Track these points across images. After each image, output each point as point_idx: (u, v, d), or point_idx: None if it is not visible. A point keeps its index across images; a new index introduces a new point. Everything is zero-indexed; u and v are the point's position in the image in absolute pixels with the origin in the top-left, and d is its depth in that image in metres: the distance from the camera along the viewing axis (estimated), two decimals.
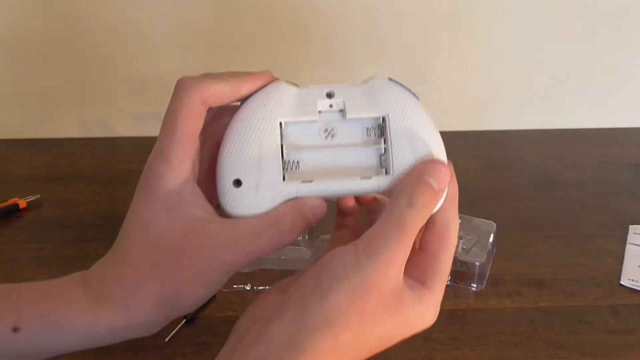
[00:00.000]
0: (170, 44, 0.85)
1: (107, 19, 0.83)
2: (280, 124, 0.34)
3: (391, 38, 0.86)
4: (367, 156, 0.35)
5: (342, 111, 0.35)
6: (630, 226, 0.67)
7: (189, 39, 0.85)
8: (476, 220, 0.62)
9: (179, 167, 0.33)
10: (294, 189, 0.34)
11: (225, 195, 0.34)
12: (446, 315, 0.54)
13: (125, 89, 0.88)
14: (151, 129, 0.91)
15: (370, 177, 0.34)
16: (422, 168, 0.33)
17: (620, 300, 0.56)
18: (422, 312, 0.33)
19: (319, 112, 0.35)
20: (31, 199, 0.70)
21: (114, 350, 0.36)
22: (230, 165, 0.33)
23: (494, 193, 0.75)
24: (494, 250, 0.61)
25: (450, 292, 0.57)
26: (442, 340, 0.51)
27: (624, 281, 0.58)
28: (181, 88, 0.34)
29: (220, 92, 0.34)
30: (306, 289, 0.31)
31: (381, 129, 0.35)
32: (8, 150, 0.85)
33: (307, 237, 0.63)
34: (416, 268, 0.34)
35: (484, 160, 0.83)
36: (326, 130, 0.35)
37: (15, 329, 0.33)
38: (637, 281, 0.58)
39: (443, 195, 0.34)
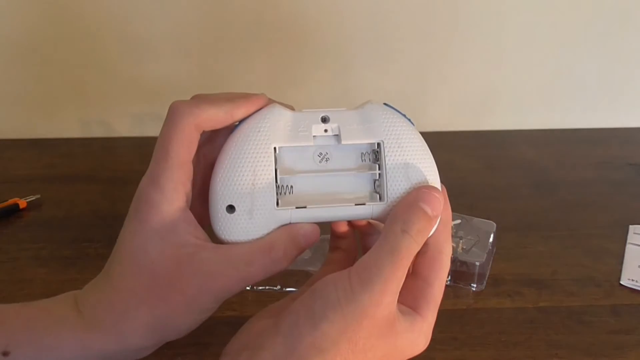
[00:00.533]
0: (170, 44, 0.85)
1: (107, 19, 0.83)
2: (275, 149, 0.34)
3: (391, 39, 0.86)
4: (362, 182, 0.35)
5: (337, 136, 0.35)
6: (630, 226, 0.67)
7: (189, 40, 0.85)
8: (476, 220, 0.62)
9: (172, 194, 0.33)
10: (288, 214, 0.34)
11: (218, 221, 0.33)
12: (446, 315, 0.54)
13: (125, 89, 0.88)
14: (151, 129, 0.91)
15: (364, 203, 0.34)
16: (416, 194, 0.33)
17: (620, 300, 0.56)
18: (414, 339, 0.33)
19: (314, 137, 0.35)
20: (31, 199, 0.70)
21: None
22: (223, 191, 0.33)
23: (494, 193, 0.75)
24: (494, 250, 0.61)
25: (450, 292, 0.57)
26: (442, 340, 0.51)
27: (624, 281, 0.58)
28: (175, 113, 0.33)
29: (214, 118, 0.34)
30: (299, 315, 0.31)
31: (376, 155, 0.35)
32: (8, 150, 0.85)
33: None
34: (408, 293, 0.34)
35: (484, 160, 0.83)
36: (320, 154, 0.35)
37: (5, 353, 0.32)
38: (637, 281, 0.58)
39: (437, 221, 0.34)
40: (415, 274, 0.35)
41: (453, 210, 0.64)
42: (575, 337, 0.52)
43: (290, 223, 0.34)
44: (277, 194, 0.33)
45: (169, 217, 0.33)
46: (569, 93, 0.92)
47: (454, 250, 0.59)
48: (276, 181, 0.34)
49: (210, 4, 0.82)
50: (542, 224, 0.68)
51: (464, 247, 0.59)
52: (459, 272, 0.57)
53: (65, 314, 0.34)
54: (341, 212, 0.34)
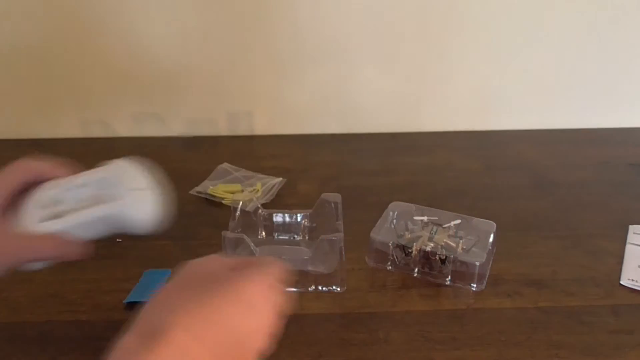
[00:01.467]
0: (170, 44, 0.85)
1: (107, 20, 0.83)
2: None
3: (392, 39, 0.86)
4: None
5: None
6: (630, 226, 0.67)
7: (190, 40, 0.85)
8: (476, 220, 0.62)
9: None
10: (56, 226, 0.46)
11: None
12: (446, 315, 0.54)
13: (125, 89, 0.88)
14: (151, 129, 0.91)
15: None
16: None
17: (620, 300, 0.56)
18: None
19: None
20: None
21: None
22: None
23: (494, 193, 0.75)
24: (494, 250, 0.61)
25: (450, 292, 0.57)
26: (442, 340, 0.51)
27: (624, 281, 0.58)
28: (15, 162, 0.47)
29: (38, 168, 0.47)
30: None
31: None
32: (8, 150, 0.85)
33: (307, 237, 0.63)
34: None
35: (484, 160, 0.83)
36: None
37: None
38: (637, 281, 0.58)
39: None
40: None
41: (453, 210, 0.64)
42: (575, 337, 0.52)
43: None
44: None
45: None
46: (569, 93, 0.92)
47: (454, 250, 0.59)
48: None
49: (211, 5, 0.82)
50: (542, 224, 0.68)
51: (464, 247, 0.59)
52: (459, 272, 0.57)
53: None
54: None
